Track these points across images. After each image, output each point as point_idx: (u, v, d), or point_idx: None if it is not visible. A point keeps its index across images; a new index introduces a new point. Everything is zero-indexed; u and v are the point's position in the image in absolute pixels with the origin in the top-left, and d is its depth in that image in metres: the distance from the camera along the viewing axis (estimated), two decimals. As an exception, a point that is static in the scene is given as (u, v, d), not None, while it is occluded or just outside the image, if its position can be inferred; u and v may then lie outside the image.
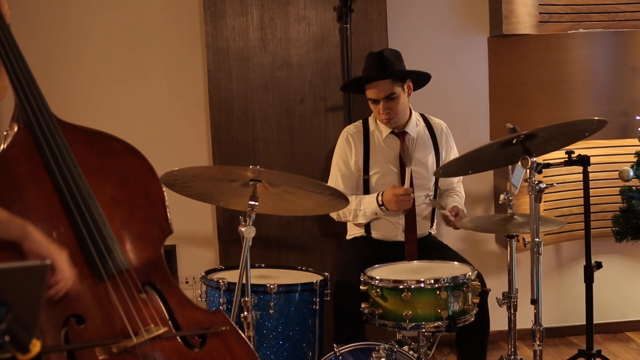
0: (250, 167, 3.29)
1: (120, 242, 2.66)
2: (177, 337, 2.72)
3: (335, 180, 4.46)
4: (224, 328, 2.80)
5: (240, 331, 2.86)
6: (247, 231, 3.32)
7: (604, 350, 5.06)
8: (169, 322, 2.71)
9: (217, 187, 3.55)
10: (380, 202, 4.28)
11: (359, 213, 4.37)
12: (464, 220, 4.26)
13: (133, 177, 2.77)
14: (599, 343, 5.29)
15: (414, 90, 4.46)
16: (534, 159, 3.36)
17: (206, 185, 3.54)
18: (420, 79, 4.50)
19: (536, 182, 3.35)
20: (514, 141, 3.39)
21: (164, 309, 2.72)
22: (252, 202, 3.35)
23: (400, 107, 4.37)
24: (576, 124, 3.49)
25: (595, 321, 4.96)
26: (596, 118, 3.38)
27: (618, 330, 5.51)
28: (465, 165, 3.65)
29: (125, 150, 2.77)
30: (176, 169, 3.39)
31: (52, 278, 2.42)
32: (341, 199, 3.52)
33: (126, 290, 2.63)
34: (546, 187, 3.37)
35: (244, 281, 3.38)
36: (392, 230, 4.41)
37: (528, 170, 3.36)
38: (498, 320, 4.29)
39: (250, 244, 3.34)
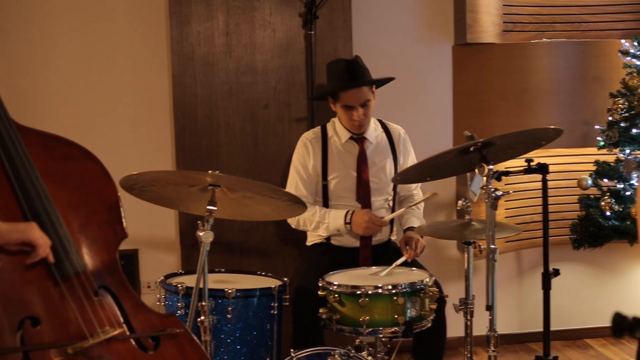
0: (209, 172, 3.30)
1: (77, 245, 2.68)
2: (131, 340, 2.73)
3: (295, 185, 4.48)
4: (177, 331, 2.82)
5: (193, 335, 2.88)
6: (205, 236, 3.32)
7: (563, 357, 5.14)
8: (124, 324, 2.73)
9: (176, 191, 3.55)
10: (348, 221, 4.32)
11: (321, 225, 4.39)
12: (423, 225, 4.30)
13: (89, 181, 2.79)
14: (558, 350, 5.34)
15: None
16: (491, 166, 3.39)
17: (165, 190, 3.54)
18: (383, 80, 4.55)
19: (492, 189, 3.38)
20: (472, 149, 3.43)
21: (118, 311, 2.74)
22: (211, 207, 3.35)
23: (371, 113, 4.43)
24: (532, 133, 3.53)
25: (554, 328, 5.01)
26: (552, 127, 3.42)
27: (577, 337, 5.57)
28: (424, 172, 3.68)
29: (81, 155, 2.79)
30: (135, 172, 3.39)
31: (35, 251, 2.52)
32: (299, 205, 3.54)
33: (82, 292, 2.65)
34: (502, 195, 3.40)
35: (201, 285, 3.39)
36: (350, 235, 4.44)
37: (485, 178, 3.39)
38: (456, 327, 4.33)
39: (208, 248, 3.34)
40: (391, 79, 4.54)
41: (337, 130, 4.50)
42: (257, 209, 3.65)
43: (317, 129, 4.58)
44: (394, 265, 4.02)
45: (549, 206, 4.58)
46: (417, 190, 4.68)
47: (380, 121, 4.63)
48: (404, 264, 4.11)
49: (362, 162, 4.46)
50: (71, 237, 2.66)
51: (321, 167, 4.46)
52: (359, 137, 4.48)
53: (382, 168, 4.49)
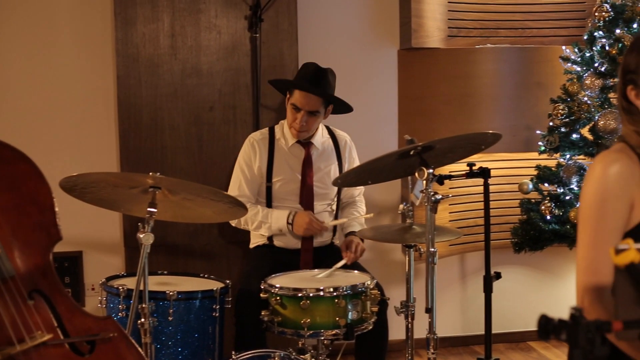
0: (150, 174, 3.30)
1: (8, 249, 2.64)
2: (66, 344, 2.71)
3: (238, 184, 4.48)
4: (112, 334, 2.80)
5: (131, 338, 2.86)
6: (145, 238, 3.32)
7: (505, 359, 5.19)
8: (57, 329, 2.69)
9: (117, 193, 3.54)
10: (290, 221, 4.35)
11: (263, 225, 4.41)
12: (365, 229, 4.34)
13: (22, 183, 2.75)
14: (501, 352, 5.40)
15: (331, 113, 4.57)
16: (431, 170, 3.43)
17: (106, 192, 3.53)
18: (342, 107, 4.56)
19: (432, 193, 3.42)
20: (412, 152, 3.46)
21: (52, 315, 2.70)
22: (151, 209, 3.35)
23: (315, 125, 4.46)
24: (472, 137, 3.57)
25: (498, 331, 5.09)
26: (490, 132, 3.46)
27: (521, 339, 5.62)
28: (364, 175, 3.71)
29: (14, 157, 2.74)
30: (75, 174, 3.37)
31: None
32: (240, 208, 3.54)
33: (11, 298, 2.61)
34: (442, 199, 3.44)
35: (141, 288, 3.39)
36: (293, 237, 4.46)
37: (424, 181, 3.42)
38: (399, 329, 4.35)
39: (148, 250, 3.34)
40: (349, 109, 4.56)
41: (285, 133, 4.51)
42: (198, 211, 3.65)
43: (265, 130, 4.59)
44: (334, 268, 4.05)
45: (492, 210, 4.64)
46: (359, 197, 4.72)
47: (327, 127, 4.66)
48: (346, 266, 4.14)
49: (307, 166, 4.48)
50: (1, 241, 2.62)
51: (266, 168, 4.47)
52: (305, 142, 4.50)
53: (327, 173, 4.52)
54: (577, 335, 1.77)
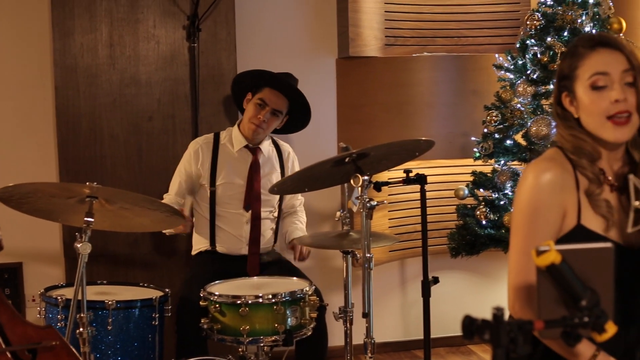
0: (87, 183, 3.32)
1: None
2: (7, 353, 2.72)
3: (178, 185, 4.51)
4: (53, 343, 2.81)
5: (71, 347, 2.88)
6: (83, 247, 3.34)
7: (445, 363, 5.27)
8: (-1, 338, 2.72)
9: (54, 203, 3.55)
10: None
11: None
12: (304, 236, 4.39)
13: None
14: (442, 356, 5.47)
15: (277, 130, 4.66)
16: (366, 177, 3.47)
17: (43, 202, 3.53)
18: (292, 126, 4.70)
19: (367, 199, 3.46)
20: (347, 160, 3.51)
21: (-6, 325, 2.73)
22: (88, 219, 3.37)
23: (271, 128, 4.54)
24: (405, 144, 3.63)
25: (438, 335, 5.15)
26: (423, 138, 3.52)
27: (461, 343, 5.68)
28: (301, 182, 3.75)
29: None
30: (11, 184, 3.37)
31: None
32: (177, 216, 3.58)
33: None
34: (377, 205, 3.48)
35: (79, 297, 3.39)
36: (236, 243, 4.50)
37: (359, 188, 3.47)
38: (340, 335, 4.39)
39: (86, 260, 3.35)
40: (301, 126, 4.74)
41: (233, 138, 4.55)
42: (136, 220, 3.67)
43: (210, 135, 4.63)
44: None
45: (430, 216, 4.69)
46: (300, 208, 4.77)
47: (272, 138, 4.71)
48: (285, 272, 4.19)
49: (254, 171, 4.52)
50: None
51: (209, 173, 4.50)
52: (253, 147, 4.55)
53: (270, 180, 4.56)
54: (500, 334, 1.82)
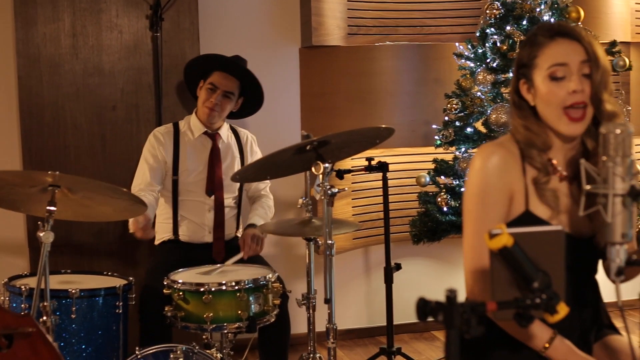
0: (49, 172, 3.32)
1: None
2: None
3: (142, 173, 4.51)
4: (30, 330, 2.84)
5: (47, 335, 2.90)
6: (45, 236, 3.34)
7: (409, 349, 5.32)
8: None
9: (16, 193, 3.54)
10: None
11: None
12: (268, 223, 4.41)
13: None
14: (406, 342, 5.52)
15: (235, 114, 4.71)
16: (327, 164, 3.51)
17: (5, 191, 3.53)
18: (248, 107, 4.74)
19: (328, 187, 3.50)
20: (308, 147, 3.53)
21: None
22: (50, 208, 3.37)
23: (226, 110, 4.57)
24: (366, 132, 3.67)
25: (402, 321, 5.20)
26: (383, 126, 3.56)
27: (425, 329, 5.74)
28: (262, 170, 3.78)
29: None
30: (-29, 174, 3.37)
31: None
32: (140, 205, 3.59)
33: None
34: (338, 192, 3.52)
35: (42, 286, 3.40)
36: (198, 231, 4.52)
37: (321, 176, 3.50)
38: (304, 322, 4.43)
39: (49, 249, 3.35)
40: (256, 107, 4.78)
41: (191, 125, 4.57)
42: (99, 209, 3.67)
43: (170, 124, 4.66)
44: (230, 261, 4.13)
45: (393, 203, 4.76)
46: (265, 192, 4.77)
47: (230, 125, 4.74)
48: (249, 260, 4.22)
49: (215, 157, 4.55)
50: None
51: (172, 161, 4.52)
52: (212, 133, 4.57)
53: (231, 166, 4.59)
54: (453, 316, 1.86)
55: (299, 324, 4.71)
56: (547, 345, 2.46)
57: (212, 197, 4.52)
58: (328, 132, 3.84)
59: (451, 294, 1.86)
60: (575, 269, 2.53)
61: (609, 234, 2.17)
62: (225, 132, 4.64)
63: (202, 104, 4.52)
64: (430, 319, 1.88)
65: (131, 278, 4.00)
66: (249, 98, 4.67)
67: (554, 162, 2.58)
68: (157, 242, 4.64)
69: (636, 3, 5.84)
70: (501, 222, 2.52)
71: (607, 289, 2.64)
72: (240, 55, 4.79)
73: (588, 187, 2.21)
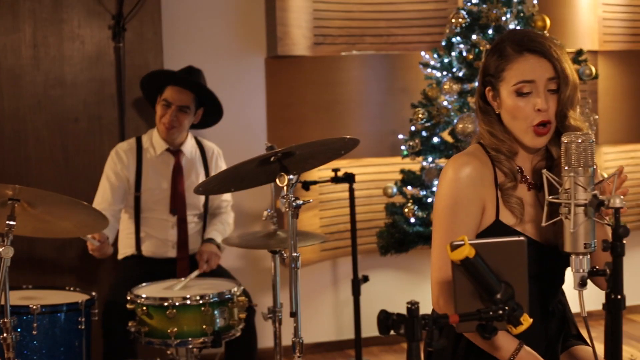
0: (9, 185, 3.27)
1: None
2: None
3: (103, 192, 4.44)
4: None
5: (8, 352, 2.85)
6: (5, 251, 3.27)
7: (377, 361, 5.29)
8: None
9: (-26, 207, 3.48)
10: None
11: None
12: (233, 236, 4.36)
13: None
14: (376, 355, 5.48)
15: (195, 126, 4.63)
16: (292, 176, 3.46)
17: (-39, 206, 3.46)
18: (210, 116, 4.66)
19: (293, 198, 3.45)
20: (272, 159, 3.49)
21: None
22: (10, 222, 3.31)
23: (185, 125, 4.48)
24: (330, 142, 3.61)
25: (371, 334, 5.15)
26: (348, 137, 3.51)
27: (394, 341, 5.69)
28: (226, 182, 3.72)
29: None
30: None
31: None
32: (101, 219, 3.53)
33: None
34: (303, 204, 3.47)
35: (2, 302, 3.34)
36: (162, 247, 4.47)
37: (285, 187, 3.46)
38: (271, 336, 4.38)
39: (8, 264, 3.28)
40: (218, 116, 4.70)
41: (154, 142, 4.51)
42: (59, 225, 3.60)
43: (132, 140, 4.58)
44: (188, 278, 4.08)
45: (361, 215, 4.73)
46: (226, 209, 4.73)
47: (195, 138, 4.68)
48: (213, 273, 4.17)
49: (177, 174, 4.49)
50: None
51: (135, 179, 4.45)
52: (175, 150, 4.51)
53: (195, 183, 4.52)
54: (414, 329, 1.83)
55: (265, 338, 4.66)
56: (512, 356, 2.43)
57: (176, 215, 4.46)
58: (295, 142, 3.79)
59: (412, 306, 1.82)
60: (542, 278, 2.52)
61: (572, 244, 2.15)
62: (189, 147, 4.58)
63: (159, 120, 4.46)
64: (392, 332, 1.85)
65: (94, 293, 3.93)
66: (209, 107, 4.60)
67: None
68: (120, 257, 4.58)
69: (603, 12, 5.85)
70: (472, 234, 2.50)
71: (572, 299, 2.62)
72: (205, 65, 4.76)
73: (550, 197, 2.19)
